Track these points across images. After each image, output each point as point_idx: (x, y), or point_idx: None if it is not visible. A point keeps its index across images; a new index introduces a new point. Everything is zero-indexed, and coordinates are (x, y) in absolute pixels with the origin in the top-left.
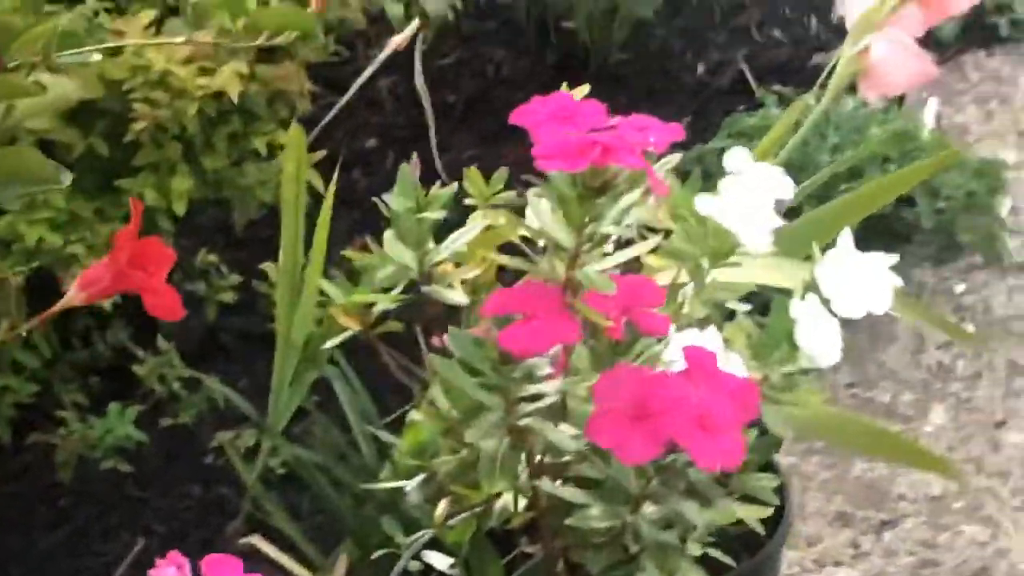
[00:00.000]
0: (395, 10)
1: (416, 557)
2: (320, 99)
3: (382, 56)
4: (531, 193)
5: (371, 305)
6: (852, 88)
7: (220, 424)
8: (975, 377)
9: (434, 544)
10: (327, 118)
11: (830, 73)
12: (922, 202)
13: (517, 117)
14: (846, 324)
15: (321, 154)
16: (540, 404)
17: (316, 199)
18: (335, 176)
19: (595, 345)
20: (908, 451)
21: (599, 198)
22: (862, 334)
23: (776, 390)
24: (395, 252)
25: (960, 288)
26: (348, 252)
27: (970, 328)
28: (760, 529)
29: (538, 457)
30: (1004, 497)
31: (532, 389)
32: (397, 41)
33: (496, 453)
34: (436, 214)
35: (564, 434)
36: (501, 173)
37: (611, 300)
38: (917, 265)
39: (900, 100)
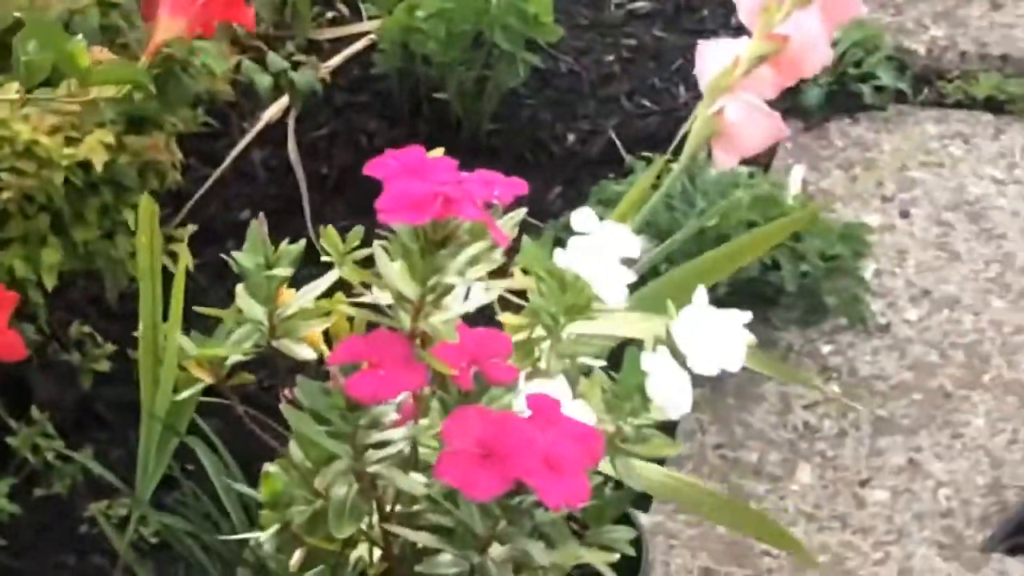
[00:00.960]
0: (263, 82)
1: None
2: (194, 171)
3: (255, 129)
4: (376, 246)
5: (224, 359)
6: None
7: (94, 494)
8: (840, 436)
9: None
10: (201, 191)
11: (686, 136)
12: (787, 266)
13: (371, 169)
14: (714, 387)
15: (193, 229)
16: (388, 451)
17: (190, 272)
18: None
19: (444, 396)
20: (761, 525)
21: (442, 250)
22: (729, 396)
23: (628, 442)
24: (246, 308)
25: (826, 349)
26: (206, 310)
27: (835, 388)
28: None
29: (388, 506)
30: (866, 551)
31: (379, 436)
32: (270, 114)
33: (345, 499)
34: (285, 271)
35: (413, 480)
36: (357, 230)
37: (460, 350)
38: (784, 328)
39: (766, 166)
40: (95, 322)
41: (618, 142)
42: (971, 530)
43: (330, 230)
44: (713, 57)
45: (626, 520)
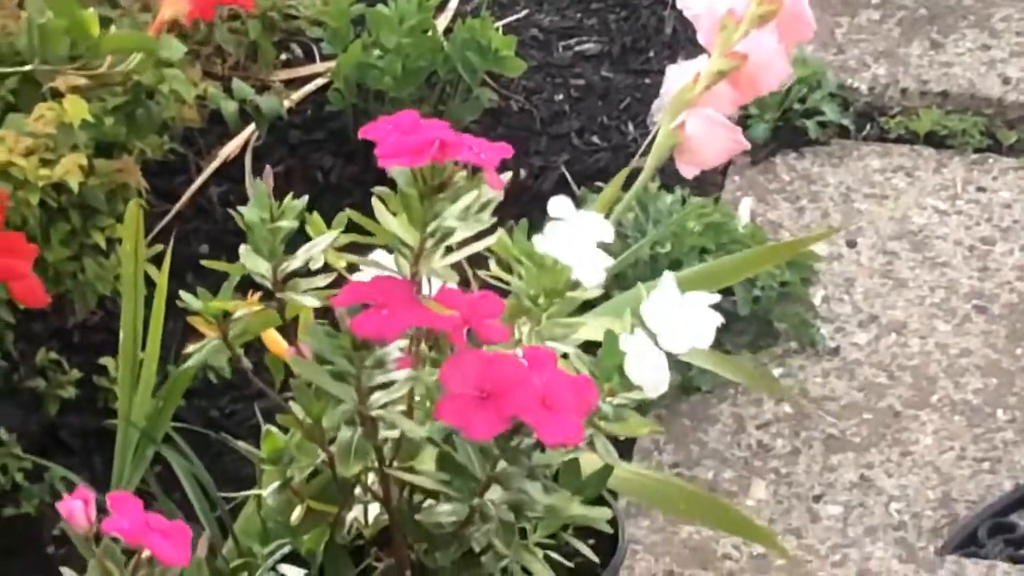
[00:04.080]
0: (229, 108)
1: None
2: (153, 208)
3: (214, 165)
4: (375, 197)
5: (229, 314)
6: (668, 186)
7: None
8: (793, 454)
9: (291, 558)
10: (159, 226)
11: (647, 149)
12: (739, 291)
13: (366, 133)
14: (670, 408)
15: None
16: (392, 394)
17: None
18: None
19: (438, 356)
20: (734, 520)
21: (440, 194)
22: (684, 417)
23: (607, 421)
24: (250, 263)
25: (778, 372)
26: (213, 263)
27: (787, 409)
28: (595, 557)
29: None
30: (823, 554)
31: (383, 377)
32: (229, 150)
33: (351, 440)
34: (289, 224)
35: (414, 424)
36: (343, 216)
37: (455, 309)
38: (736, 351)
39: (716, 198)
40: (60, 349)
41: (569, 177)
42: (923, 541)
43: (315, 216)
44: (678, 78)
45: (601, 500)
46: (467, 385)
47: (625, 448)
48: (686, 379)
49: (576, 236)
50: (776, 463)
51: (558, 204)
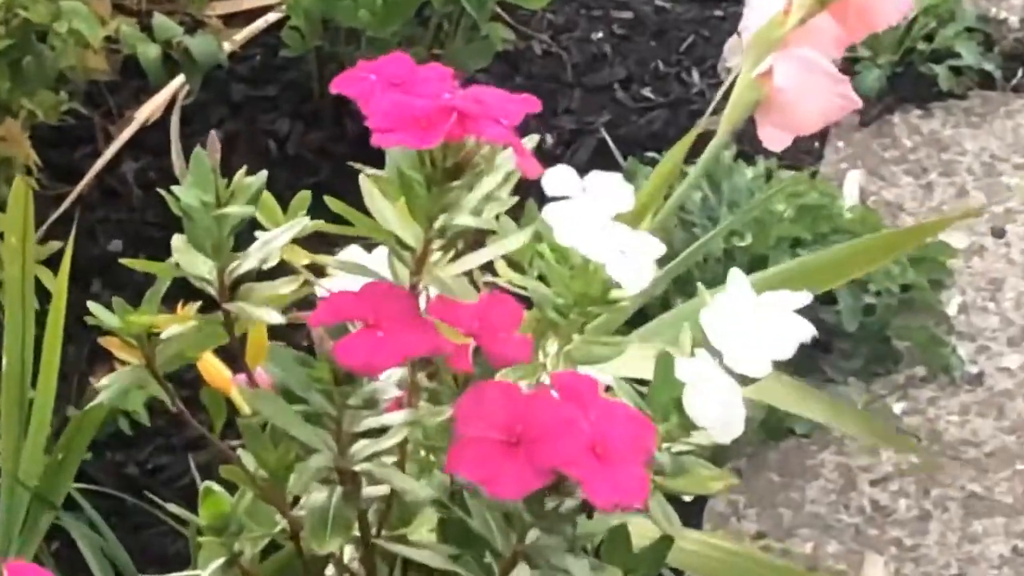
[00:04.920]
0: (150, 53)
1: None
2: (46, 190)
3: (127, 133)
4: (364, 177)
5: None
6: (747, 156)
7: None
8: (922, 519)
9: None
10: (54, 215)
11: (720, 105)
12: (845, 298)
13: (339, 85)
14: (753, 459)
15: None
16: (383, 443)
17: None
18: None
19: (436, 386)
20: None
21: (453, 181)
22: (771, 471)
23: (664, 475)
24: (187, 262)
25: (899, 408)
26: (133, 262)
27: (913, 459)
28: None
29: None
30: None
31: (373, 421)
32: (148, 111)
33: (328, 505)
34: (242, 209)
35: (414, 482)
36: (303, 196)
37: (459, 325)
38: (841, 380)
39: (813, 172)
40: None
41: (612, 144)
42: None
43: (267, 197)
44: (763, 7)
45: None
46: (491, 427)
47: (693, 512)
48: (774, 419)
49: (588, 215)
50: (898, 532)
51: (557, 176)
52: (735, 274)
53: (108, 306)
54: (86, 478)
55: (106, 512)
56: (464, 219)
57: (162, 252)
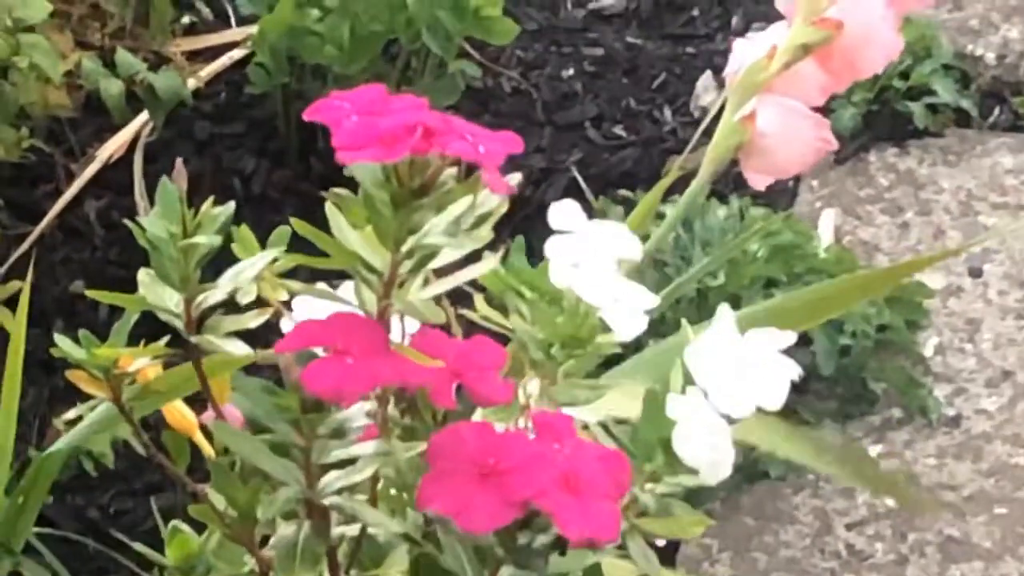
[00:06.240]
0: (113, 89)
1: None
2: (6, 229)
3: (89, 171)
4: (329, 202)
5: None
6: (720, 195)
7: None
8: (898, 564)
9: None
10: (15, 255)
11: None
12: (821, 339)
13: (312, 113)
14: (726, 503)
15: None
16: (353, 476)
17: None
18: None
19: (414, 423)
20: None
21: (420, 199)
22: (745, 515)
23: (646, 517)
24: (153, 295)
25: (876, 450)
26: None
27: (889, 502)
28: None
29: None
30: None
31: (342, 452)
32: (111, 149)
33: (296, 538)
34: (209, 240)
35: (383, 515)
36: (282, 230)
37: (441, 359)
38: (816, 422)
39: (788, 211)
40: None
41: (583, 182)
42: None
43: (243, 230)
44: (747, 53)
45: None
46: (463, 459)
47: (665, 556)
48: (748, 461)
49: (590, 255)
50: None
51: (562, 210)
52: (723, 310)
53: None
54: (45, 521)
55: (65, 557)
56: (433, 239)
57: (125, 292)
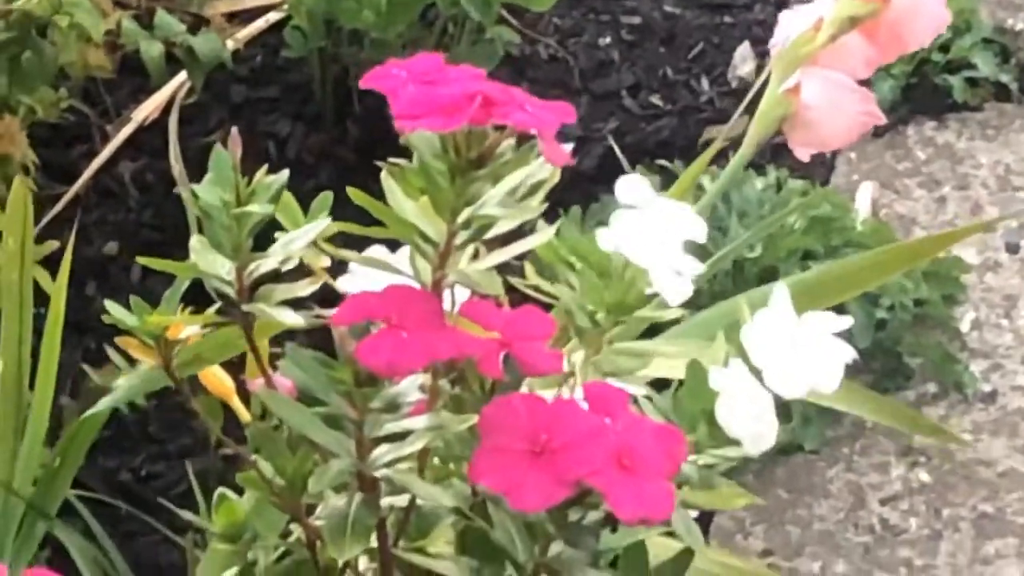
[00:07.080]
0: (153, 50)
1: None
2: (42, 189)
3: (124, 133)
4: (384, 173)
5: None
6: (757, 166)
7: None
8: (932, 539)
9: None
10: (49, 215)
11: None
12: (857, 313)
13: (369, 81)
14: (759, 475)
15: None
16: (405, 448)
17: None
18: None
19: (464, 393)
20: None
21: (478, 170)
22: (779, 487)
23: (690, 488)
24: (205, 263)
25: None
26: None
27: (924, 477)
28: None
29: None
30: None
31: (395, 425)
32: (147, 110)
33: (347, 510)
34: (263, 208)
35: (435, 489)
36: (325, 196)
37: (490, 329)
38: None
39: (824, 183)
40: None
41: (619, 151)
42: None
43: (287, 197)
44: (792, 24)
45: None
46: (515, 436)
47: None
48: (783, 433)
49: (655, 231)
50: (908, 552)
51: (630, 185)
52: (779, 290)
53: (102, 309)
54: (77, 484)
55: (96, 519)
56: (490, 210)
57: (158, 255)
